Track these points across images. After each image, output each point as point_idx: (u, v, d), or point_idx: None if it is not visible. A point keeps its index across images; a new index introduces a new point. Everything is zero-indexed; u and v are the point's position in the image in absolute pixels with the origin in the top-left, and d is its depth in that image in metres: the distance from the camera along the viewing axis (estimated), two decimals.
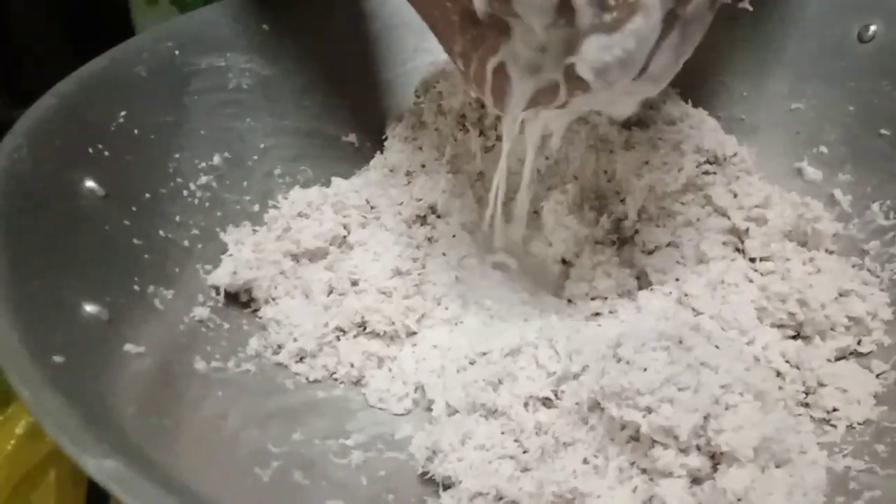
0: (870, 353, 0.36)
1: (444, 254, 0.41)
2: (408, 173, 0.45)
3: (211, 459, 0.27)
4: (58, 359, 0.23)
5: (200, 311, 0.35)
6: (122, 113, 0.38)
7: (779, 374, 0.35)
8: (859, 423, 0.33)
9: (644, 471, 0.29)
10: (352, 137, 0.48)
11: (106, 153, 0.36)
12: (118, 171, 0.36)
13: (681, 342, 0.30)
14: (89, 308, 0.28)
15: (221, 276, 0.37)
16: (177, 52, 0.42)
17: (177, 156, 0.40)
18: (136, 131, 0.38)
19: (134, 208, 0.36)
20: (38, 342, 0.23)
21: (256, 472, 0.28)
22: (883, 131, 0.43)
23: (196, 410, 0.29)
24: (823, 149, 0.45)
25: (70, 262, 0.29)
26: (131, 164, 0.37)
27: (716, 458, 0.28)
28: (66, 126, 0.35)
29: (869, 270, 0.40)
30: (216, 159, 0.42)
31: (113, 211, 0.34)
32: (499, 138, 0.45)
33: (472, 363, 0.36)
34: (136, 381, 0.27)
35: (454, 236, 0.42)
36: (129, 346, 0.29)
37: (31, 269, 0.26)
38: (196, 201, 0.40)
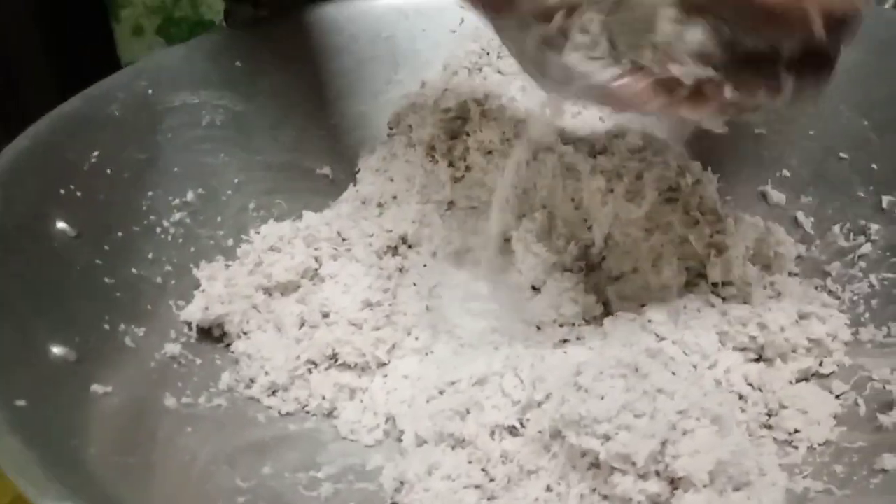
0: (831, 373, 0.37)
1: (414, 283, 0.42)
2: (379, 204, 0.45)
3: (177, 498, 0.28)
4: (20, 402, 0.23)
5: (172, 348, 0.36)
6: (95, 153, 0.39)
7: (741, 396, 0.36)
8: (819, 444, 0.34)
9: (605, 497, 0.30)
10: (326, 170, 0.49)
11: (78, 193, 0.37)
12: (90, 210, 0.37)
13: (637, 370, 0.30)
14: (56, 350, 0.29)
15: (194, 311, 0.38)
16: (150, 91, 0.43)
17: (150, 193, 0.41)
18: (108, 170, 0.39)
19: (106, 247, 0.36)
20: (2, 386, 0.23)
21: None
22: (842, 154, 0.44)
23: (164, 448, 0.30)
24: (786, 172, 0.46)
25: (39, 305, 0.30)
26: (104, 204, 0.38)
27: (674, 483, 0.29)
28: (39, 167, 0.36)
29: (830, 292, 0.40)
30: (190, 195, 0.43)
31: (84, 251, 0.35)
32: (468, 168, 0.46)
33: (441, 393, 0.36)
34: (103, 422, 0.28)
35: (425, 265, 0.43)
36: (95, 387, 0.29)
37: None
38: (169, 238, 0.40)
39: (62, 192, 0.36)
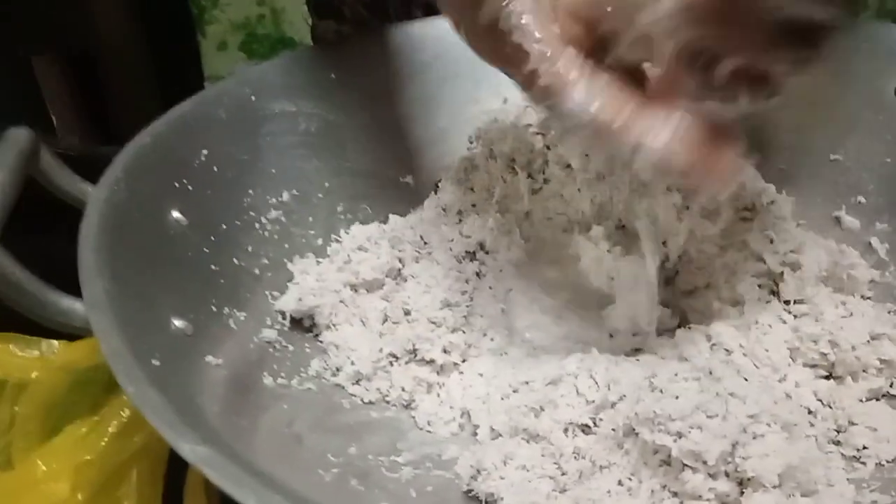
0: None
1: (490, 288, 0.44)
2: (459, 212, 0.48)
3: (281, 457, 0.30)
4: (155, 362, 0.26)
5: (268, 333, 0.39)
6: (204, 151, 0.42)
7: (810, 411, 0.36)
8: (888, 461, 0.35)
9: (675, 494, 0.31)
10: (408, 179, 0.52)
11: (190, 187, 0.40)
12: (200, 203, 0.40)
13: (711, 373, 0.32)
14: (176, 322, 0.32)
15: (288, 301, 0.41)
16: (253, 98, 0.47)
17: (250, 191, 0.44)
18: (215, 168, 0.42)
19: (212, 238, 0.39)
20: (139, 346, 0.26)
21: (320, 473, 0.31)
22: None
23: (266, 416, 0.32)
24: (861, 199, 0.47)
25: (160, 282, 0.33)
26: (211, 198, 0.41)
27: (743, 484, 0.30)
28: (157, 161, 0.39)
29: None
30: (285, 196, 0.45)
31: (195, 239, 0.38)
32: (546, 181, 0.48)
33: (515, 391, 0.38)
34: (216, 387, 0.31)
35: (501, 271, 0.45)
36: (209, 358, 0.32)
37: (129, 286, 0.30)
38: (266, 233, 0.43)
39: (176, 185, 0.39)
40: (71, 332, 0.28)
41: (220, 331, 0.35)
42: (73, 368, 0.39)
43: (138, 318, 0.29)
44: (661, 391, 0.32)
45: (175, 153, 0.41)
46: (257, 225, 0.43)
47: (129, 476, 0.32)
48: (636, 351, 0.40)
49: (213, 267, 0.38)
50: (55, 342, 0.41)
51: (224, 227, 0.41)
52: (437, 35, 0.54)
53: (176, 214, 0.38)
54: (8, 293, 0.27)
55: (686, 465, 0.30)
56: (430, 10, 0.54)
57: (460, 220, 0.47)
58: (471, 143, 0.53)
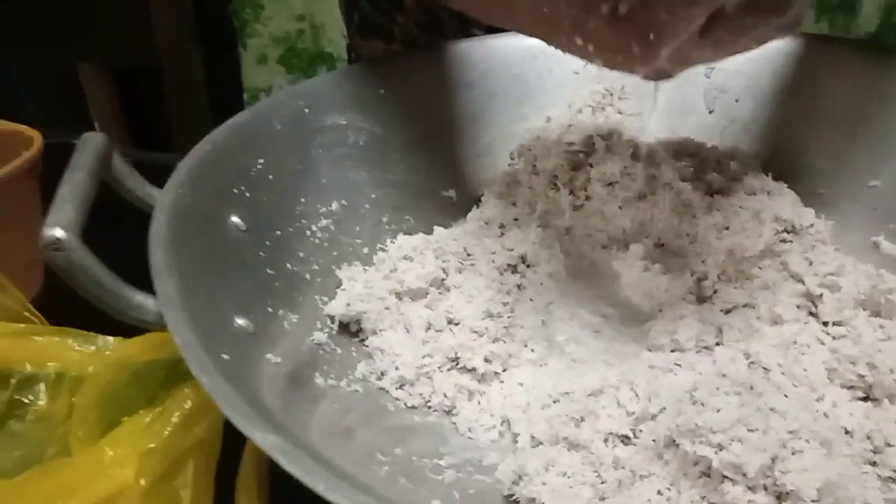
0: None
1: (531, 300, 0.45)
2: (501, 226, 0.49)
3: (337, 450, 0.31)
4: (224, 356, 0.28)
5: (319, 336, 0.40)
6: (261, 160, 0.44)
7: (847, 431, 0.37)
8: None
9: None
10: (451, 192, 0.53)
11: (247, 194, 0.42)
12: (256, 209, 0.42)
13: (752, 388, 0.33)
14: (239, 321, 0.33)
15: (336, 307, 0.42)
16: (306, 110, 0.48)
17: (303, 200, 0.45)
18: (271, 176, 0.44)
19: (267, 242, 0.41)
20: (209, 341, 0.28)
21: (373, 468, 0.32)
22: None
23: (319, 412, 0.34)
24: None
25: (222, 282, 0.35)
26: (266, 205, 0.43)
27: (781, 498, 0.31)
28: (217, 168, 0.41)
29: None
30: (334, 205, 0.47)
31: (251, 243, 0.40)
32: (587, 198, 0.49)
33: (555, 401, 0.39)
34: (275, 382, 0.32)
35: (542, 284, 0.46)
36: (269, 356, 0.34)
37: (195, 285, 0.32)
38: (317, 241, 0.45)
39: (235, 191, 0.41)
40: (146, 328, 0.30)
41: (277, 331, 0.37)
42: (127, 364, 0.40)
43: (206, 315, 0.30)
44: (703, 404, 0.33)
45: (234, 161, 0.42)
46: (308, 232, 0.45)
47: (187, 467, 0.34)
48: (675, 367, 0.41)
49: (268, 271, 0.40)
50: (110, 338, 0.42)
51: (278, 232, 0.42)
52: (484, 53, 0.56)
53: (235, 219, 0.40)
54: (89, 288, 0.29)
55: (726, 477, 0.31)
56: (491, 30, 0.56)
57: (502, 234, 0.49)
58: (512, 158, 0.54)
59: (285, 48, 1.45)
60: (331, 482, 0.22)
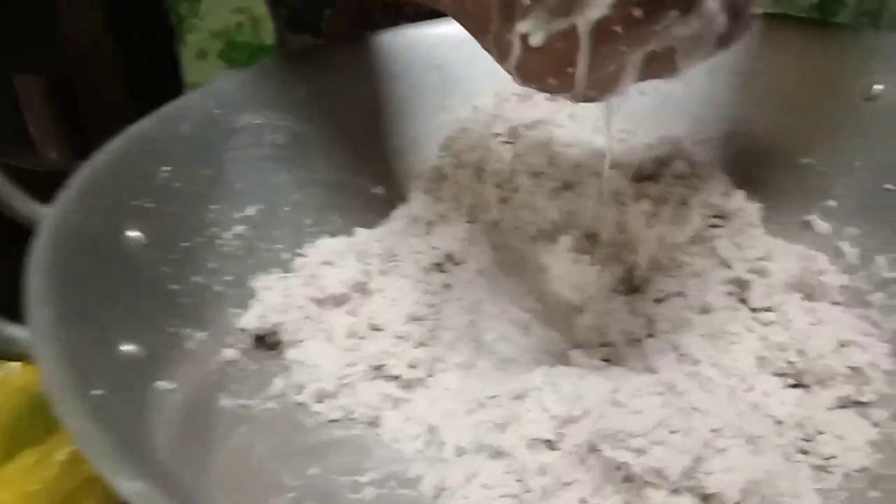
0: (869, 402, 0.37)
1: (459, 299, 0.43)
2: (428, 223, 0.47)
3: (231, 487, 0.29)
4: (97, 392, 0.26)
5: (230, 353, 0.38)
6: (166, 168, 0.41)
7: (778, 421, 0.36)
8: (856, 471, 0.34)
9: None
10: (379, 189, 0.51)
11: (149, 205, 0.39)
12: (160, 221, 0.39)
13: (673, 387, 0.31)
14: (126, 347, 0.31)
15: (250, 319, 0.40)
16: (217, 111, 0.46)
17: (214, 207, 0.43)
18: (177, 184, 0.42)
19: (172, 256, 0.39)
20: (81, 377, 0.26)
21: (272, 501, 0.30)
22: (888, 186, 0.44)
23: (220, 443, 0.32)
24: (832, 202, 0.46)
25: (111, 306, 0.32)
26: (172, 215, 0.40)
27: (705, 500, 0.30)
28: (115, 179, 0.39)
29: (873, 322, 0.41)
30: (250, 210, 0.45)
31: (153, 258, 0.38)
32: (515, 190, 0.48)
33: (481, 406, 0.38)
34: (167, 415, 0.30)
35: (470, 282, 0.44)
36: (160, 383, 0.31)
37: (76, 311, 0.30)
38: (230, 250, 0.43)
39: (135, 203, 0.39)
40: (16, 360, 0.28)
41: (177, 353, 0.35)
42: (32, 391, 0.38)
43: (85, 345, 0.28)
44: (624, 406, 0.31)
45: (134, 171, 0.40)
46: (220, 241, 0.43)
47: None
48: (605, 361, 0.40)
49: (171, 286, 0.37)
50: (15, 364, 0.40)
51: (185, 244, 0.40)
52: (406, 44, 0.54)
53: (134, 234, 0.37)
54: None
55: (647, 482, 0.30)
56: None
57: (429, 232, 0.47)
58: (442, 152, 0.53)
59: (225, 42, 1.41)
60: None
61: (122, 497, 0.21)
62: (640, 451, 0.30)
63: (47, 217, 0.34)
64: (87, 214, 0.35)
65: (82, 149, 0.41)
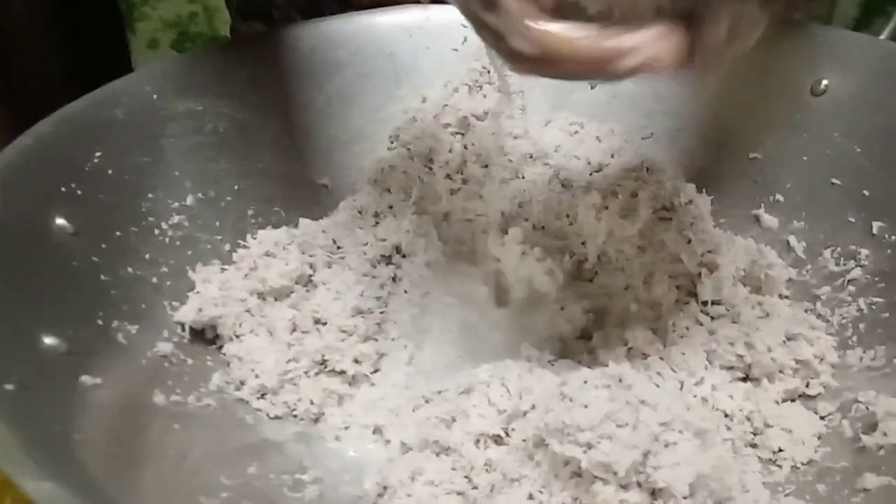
0: (817, 395, 0.37)
1: (406, 292, 0.42)
2: (375, 214, 0.46)
3: (162, 490, 0.28)
4: (9, 386, 0.24)
5: (164, 347, 0.36)
6: (98, 153, 0.39)
7: (727, 415, 0.36)
8: (803, 464, 0.34)
9: None
10: (325, 180, 0.50)
11: (79, 192, 0.37)
12: (90, 209, 0.37)
13: (621, 380, 0.31)
14: (47, 340, 0.29)
15: (187, 312, 0.38)
16: (155, 97, 0.44)
17: (150, 196, 0.41)
18: (110, 171, 0.40)
19: (103, 245, 0.37)
20: None
21: (202, 501, 0.28)
22: (835, 181, 0.44)
23: (152, 442, 0.30)
24: (780, 197, 0.46)
25: (33, 296, 0.30)
26: (104, 203, 0.38)
27: (654, 495, 0.29)
28: (41, 165, 0.37)
29: (820, 315, 0.41)
30: (190, 199, 0.43)
31: (82, 248, 0.35)
32: (464, 181, 0.47)
33: (427, 401, 0.37)
34: (92, 413, 0.28)
35: (418, 275, 0.43)
36: (85, 378, 0.30)
37: None
38: (167, 240, 0.41)
39: (63, 189, 0.36)
40: None
41: (105, 347, 0.33)
42: None
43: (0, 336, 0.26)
44: (571, 400, 0.31)
45: (62, 156, 0.38)
46: (157, 231, 0.41)
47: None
48: (552, 355, 0.39)
49: (102, 277, 0.35)
50: None
51: (118, 234, 0.38)
52: (355, 31, 0.53)
53: (60, 221, 0.35)
54: None
55: (596, 477, 0.29)
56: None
57: (377, 223, 0.46)
58: (391, 142, 0.51)
59: (178, 32, 1.37)
60: None
61: (32, 499, 0.20)
62: (588, 446, 0.29)
63: None
64: (10, 200, 0.33)
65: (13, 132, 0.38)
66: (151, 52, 1.42)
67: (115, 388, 0.31)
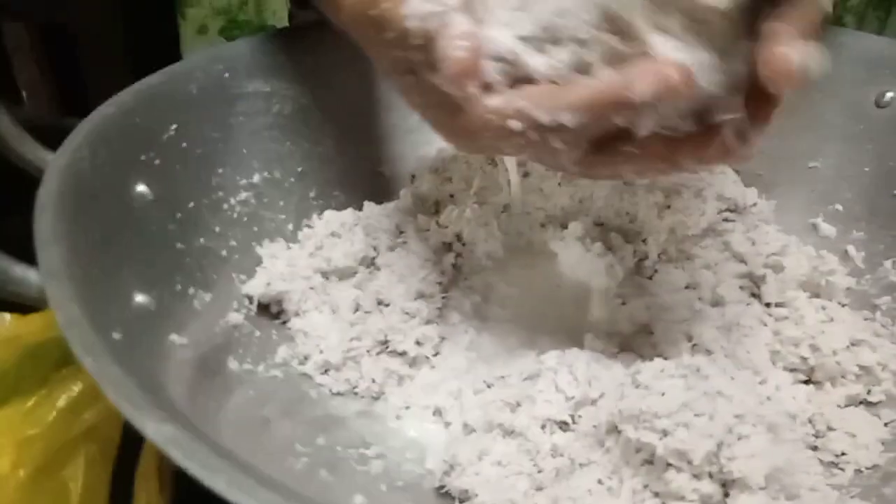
0: (879, 402, 0.37)
1: (466, 279, 0.42)
2: (436, 202, 0.46)
3: (250, 442, 0.28)
4: (116, 335, 0.24)
5: (234, 317, 0.37)
6: (173, 126, 0.40)
7: (790, 415, 0.36)
8: (867, 468, 0.34)
9: (657, 494, 0.30)
10: (383, 168, 0.50)
11: (156, 161, 0.38)
12: (167, 179, 0.38)
13: (698, 370, 0.31)
14: (139, 298, 0.30)
15: (255, 286, 0.39)
16: (226, 75, 0.45)
17: (220, 171, 0.42)
18: (184, 144, 0.40)
19: (178, 215, 0.37)
20: (99, 318, 0.24)
21: (289, 461, 0.29)
22: (895, 192, 0.44)
23: (233, 400, 0.30)
24: (839, 206, 0.46)
25: (122, 255, 0.31)
26: (178, 174, 0.39)
27: (727, 486, 0.29)
28: (122, 133, 0.37)
29: (880, 324, 0.41)
30: (256, 178, 0.44)
31: (159, 215, 0.36)
32: (526, 174, 0.47)
33: (489, 386, 0.37)
34: (181, 367, 0.29)
35: (478, 264, 0.43)
36: (174, 337, 0.30)
37: (88, 256, 0.28)
38: (235, 215, 0.41)
39: (143, 157, 0.37)
40: (26, 303, 0.26)
41: (185, 310, 0.33)
42: (23, 342, 0.36)
43: (98, 289, 0.26)
44: (647, 388, 0.31)
45: (142, 126, 0.38)
46: (226, 206, 0.41)
47: (77, 456, 0.30)
48: (615, 350, 0.39)
49: (178, 245, 0.36)
50: (7, 315, 0.38)
51: (191, 204, 0.39)
52: None
53: (141, 188, 0.36)
54: None
55: (670, 465, 0.29)
56: None
57: (437, 211, 0.46)
58: None
59: (227, 20, 1.38)
60: (234, 479, 0.19)
61: (152, 441, 0.20)
62: (664, 433, 0.29)
63: (55, 162, 0.32)
64: (95, 163, 0.34)
65: (76, 106, 0.39)
66: (200, 37, 1.43)
67: (197, 350, 0.31)
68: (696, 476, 0.29)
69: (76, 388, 0.31)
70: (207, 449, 0.20)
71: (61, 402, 0.30)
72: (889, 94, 0.47)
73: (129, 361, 0.23)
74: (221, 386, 0.31)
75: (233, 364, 0.34)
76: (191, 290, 0.35)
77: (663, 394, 0.30)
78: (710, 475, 0.29)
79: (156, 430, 0.20)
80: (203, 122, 0.42)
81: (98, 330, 0.23)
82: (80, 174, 0.33)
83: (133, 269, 0.31)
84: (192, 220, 0.38)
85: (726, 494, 0.29)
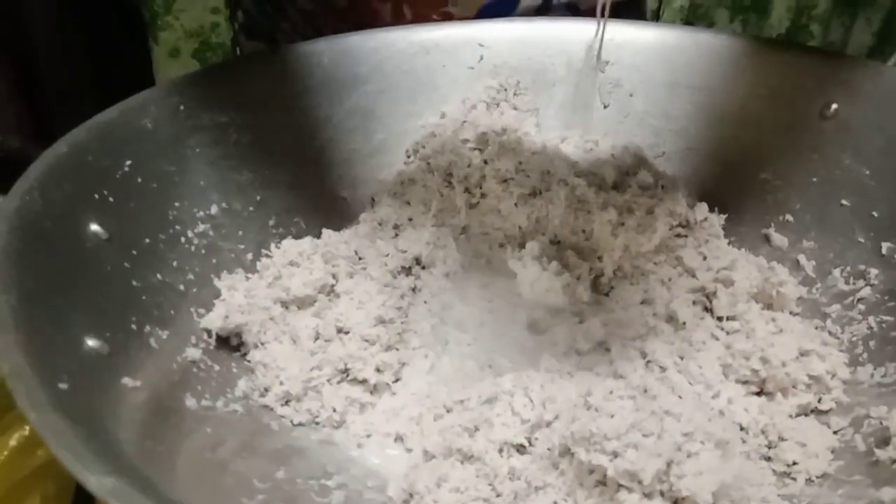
0: (829, 410, 0.38)
1: (426, 303, 0.43)
2: (395, 226, 0.47)
3: (202, 486, 0.28)
4: (63, 385, 0.24)
5: (193, 352, 0.37)
6: (128, 162, 0.40)
7: (742, 427, 0.37)
8: (818, 477, 0.35)
9: None
10: (344, 193, 0.50)
11: (111, 199, 0.38)
12: (121, 216, 0.38)
13: (646, 391, 0.32)
14: (91, 342, 0.30)
15: (214, 319, 0.39)
16: (182, 107, 0.45)
17: (177, 204, 0.42)
18: (139, 179, 0.40)
19: (134, 252, 0.37)
20: (45, 368, 0.24)
21: (243, 501, 0.29)
22: (844, 202, 0.45)
23: (187, 442, 0.31)
24: (789, 217, 0.47)
25: (73, 298, 0.31)
26: (134, 211, 0.39)
27: (677, 503, 0.30)
28: (75, 171, 0.37)
29: (830, 332, 0.42)
30: (214, 209, 0.44)
31: (114, 254, 0.36)
32: (483, 195, 0.48)
33: (449, 410, 0.37)
34: (133, 412, 0.29)
35: (438, 286, 0.44)
36: (126, 380, 0.30)
37: (38, 301, 0.28)
38: (193, 248, 0.42)
39: (96, 196, 0.37)
40: None
41: (140, 351, 0.33)
42: None
43: (47, 336, 0.27)
44: (597, 410, 0.31)
45: (95, 163, 0.39)
46: (183, 239, 0.41)
47: (32, 494, 0.30)
48: (572, 369, 0.40)
49: (134, 283, 0.36)
50: None
51: (147, 241, 0.39)
52: (373, 47, 0.54)
53: (94, 227, 0.36)
54: None
55: (622, 486, 0.30)
56: None
57: (396, 235, 0.47)
58: (408, 156, 0.52)
59: (199, 42, 1.38)
60: None
61: (94, 494, 0.20)
62: (614, 454, 0.30)
63: (5, 204, 0.32)
64: (47, 205, 0.34)
65: (44, 136, 0.39)
66: (173, 60, 1.43)
67: (151, 391, 0.31)
68: (647, 496, 0.30)
69: (27, 428, 0.31)
70: (152, 500, 0.20)
71: (13, 441, 0.30)
72: (833, 106, 0.48)
73: (75, 411, 0.23)
74: (177, 427, 0.31)
75: (190, 401, 0.34)
76: (147, 329, 0.35)
77: (612, 415, 0.31)
78: (662, 493, 0.30)
79: (97, 484, 0.20)
80: (158, 155, 0.42)
81: (43, 380, 0.23)
82: (31, 217, 0.33)
83: (86, 312, 0.31)
84: (148, 257, 0.38)
85: None
